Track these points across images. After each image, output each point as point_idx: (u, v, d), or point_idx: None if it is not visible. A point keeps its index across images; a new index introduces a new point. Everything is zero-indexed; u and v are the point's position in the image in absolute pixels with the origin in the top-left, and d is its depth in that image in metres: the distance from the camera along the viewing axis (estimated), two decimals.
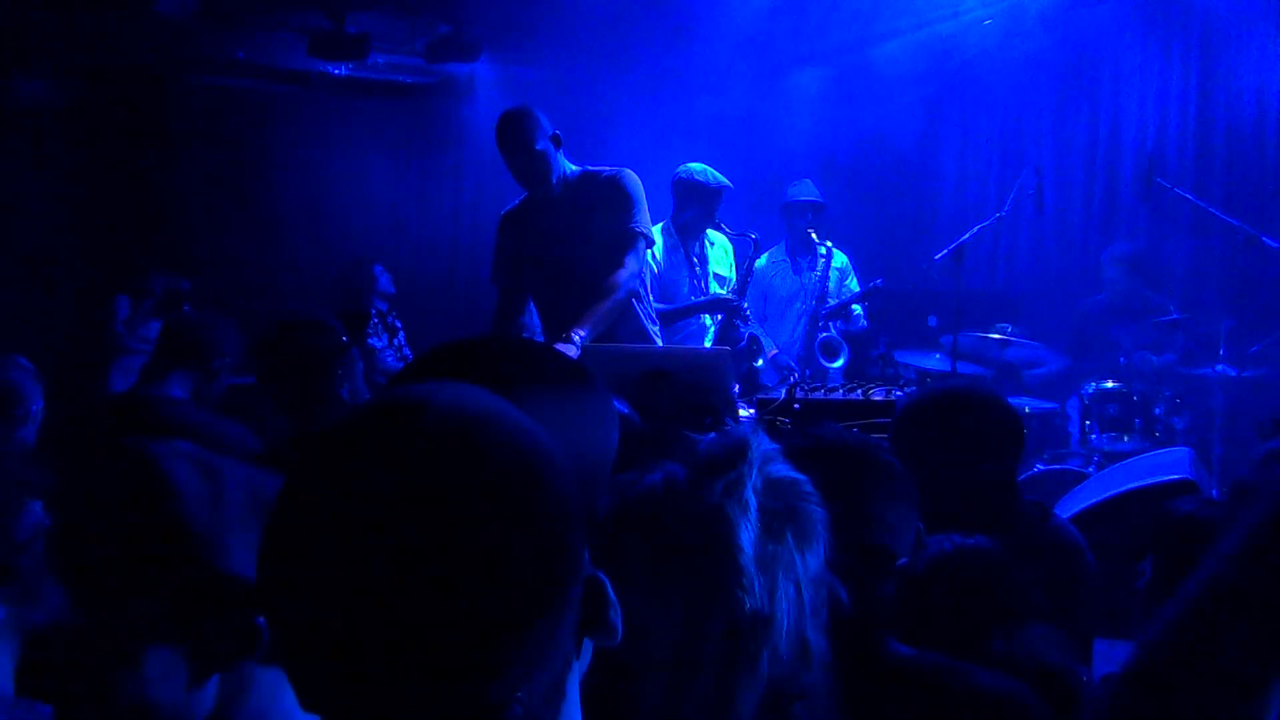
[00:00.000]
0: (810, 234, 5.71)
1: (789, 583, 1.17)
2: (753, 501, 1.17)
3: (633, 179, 4.00)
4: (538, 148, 3.85)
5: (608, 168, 4.06)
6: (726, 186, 5.06)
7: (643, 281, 4.21)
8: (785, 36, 7.01)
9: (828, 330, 5.55)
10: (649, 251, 4.30)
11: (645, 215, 3.98)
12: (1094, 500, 3.84)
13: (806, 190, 5.87)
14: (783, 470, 1.22)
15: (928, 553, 1.90)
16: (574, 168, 4.03)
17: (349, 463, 0.74)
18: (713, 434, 1.28)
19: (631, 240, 3.91)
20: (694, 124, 7.18)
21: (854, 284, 5.89)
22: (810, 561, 1.19)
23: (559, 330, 3.66)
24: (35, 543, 1.54)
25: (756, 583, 1.14)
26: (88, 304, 6.61)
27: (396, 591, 0.70)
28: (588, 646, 0.85)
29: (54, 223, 7.07)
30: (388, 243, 8.09)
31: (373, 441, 0.75)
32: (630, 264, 3.87)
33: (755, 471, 1.19)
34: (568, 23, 6.74)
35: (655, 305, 4.50)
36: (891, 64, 7.08)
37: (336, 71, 7.84)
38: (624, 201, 3.94)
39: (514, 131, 3.86)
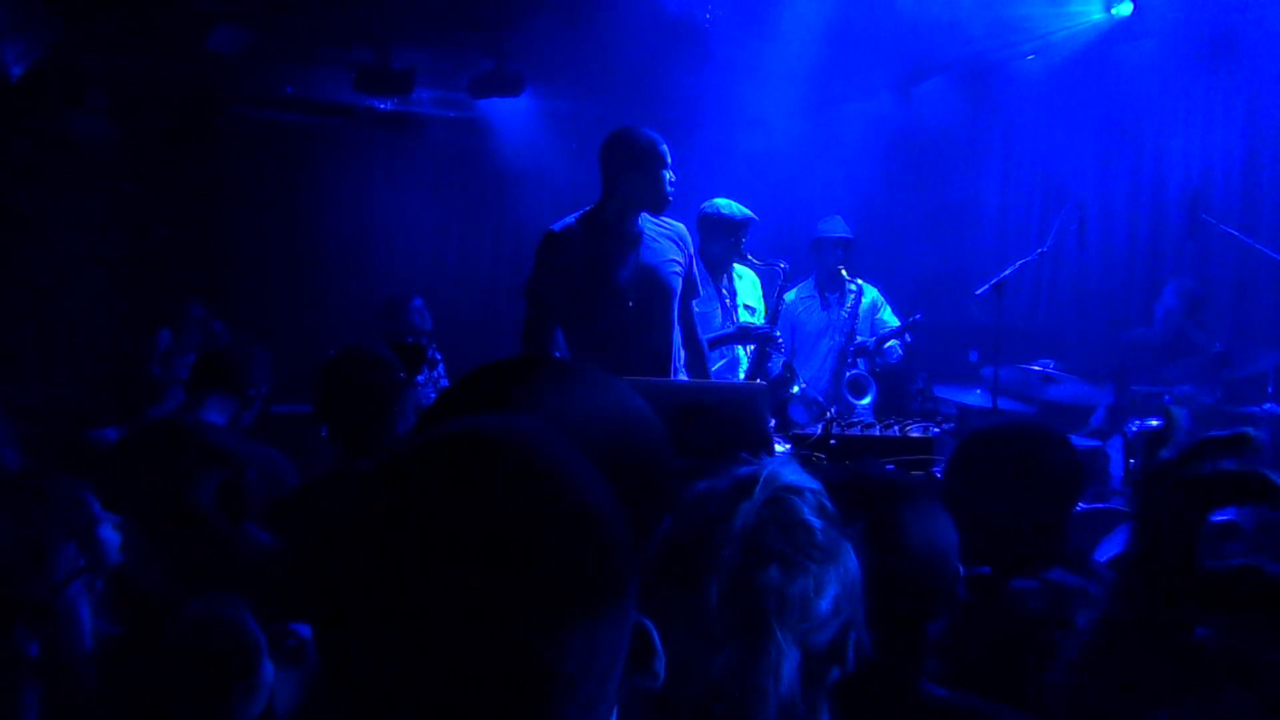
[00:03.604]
0: (840, 270, 5.71)
1: (786, 632, 1.15)
2: (734, 558, 1.16)
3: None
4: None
5: (672, 219, 4.19)
6: (751, 219, 5.10)
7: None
8: (827, 72, 7.03)
9: (856, 367, 5.54)
10: None
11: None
12: None
13: (837, 226, 5.88)
14: (792, 514, 1.20)
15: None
16: None
17: (415, 499, 0.74)
18: (704, 481, 1.26)
19: (695, 293, 4.20)
20: (735, 159, 7.21)
21: (888, 314, 5.87)
22: (815, 607, 1.18)
23: (616, 359, 3.74)
24: (70, 583, 1.55)
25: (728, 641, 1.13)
26: (134, 332, 6.73)
27: (450, 631, 0.70)
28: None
29: (103, 253, 7.21)
30: (429, 275, 8.17)
31: (442, 480, 0.74)
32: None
33: (739, 523, 1.18)
34: (611, 58, 6.80)
35: None
36: (934, 98, 7.08)
37: (382, 106, 7.97)
38: (689, 253, 4.13)
39: (665, 152, 3.95)
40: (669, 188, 3.92)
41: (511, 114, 8.09)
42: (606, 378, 1.10)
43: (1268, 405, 5.14)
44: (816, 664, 1.17)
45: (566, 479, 0.77)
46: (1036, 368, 5.41)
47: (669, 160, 3.91)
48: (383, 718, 0.72)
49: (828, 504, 1.23)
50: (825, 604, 1.17)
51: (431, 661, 0.70)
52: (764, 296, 5.32)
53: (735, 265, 5.26)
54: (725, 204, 5.12)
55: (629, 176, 3.89)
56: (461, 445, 0.77)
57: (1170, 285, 5.93)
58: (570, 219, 4.02)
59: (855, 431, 3.64)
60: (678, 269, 4.05)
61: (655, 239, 4.04)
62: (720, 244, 5.10)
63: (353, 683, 0.74)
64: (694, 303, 4.24)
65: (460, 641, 0.70)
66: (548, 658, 0.71)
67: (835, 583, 1.19)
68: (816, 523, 1.20)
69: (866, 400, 5.46)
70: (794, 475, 1.24)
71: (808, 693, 1.16)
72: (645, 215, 3.99)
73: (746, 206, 5.16)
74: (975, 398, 5.57)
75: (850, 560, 1.22)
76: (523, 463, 0.76)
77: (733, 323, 5.12)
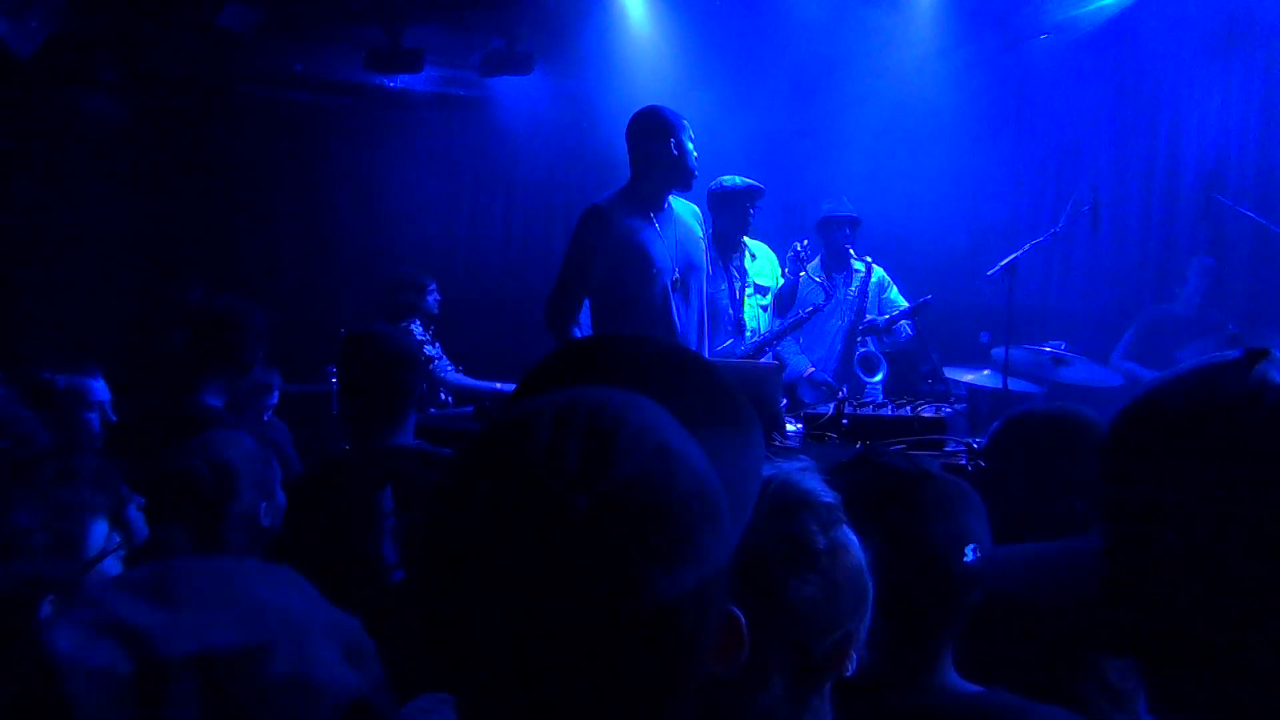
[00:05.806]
0: (848, 249, 5.68)
1: (778, 640, 1.14)
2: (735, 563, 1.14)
3: None
4: None
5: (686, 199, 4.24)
6: (756, 187, 5.06)
7: None
8: (837, 52, 6.98)
9: (865, 345, 5.51)
10: None
11: None
12: None
13: (843, 205, 5.84)
14: (797, 527, 1.18)
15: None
16: None
17: (530, 470, 0.73)
18: None
19: (709, 271, 4.33)
20: (744, 138, 7.18)
21: (895, 294, 5.83)
22: (811, 619, 1.16)
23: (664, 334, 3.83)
24: (101, 561, 1.54)
25: None
26: (147, 312, 6.74)
27: (559, 609, 0.70)
28: None
29: (114, 232, 7.22)
30: (439, 255, 8.15)
31: (561, 452, 0.73)
32: None
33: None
34: (620, 37, 6.77)
35: None
36: (947, 78, 7.03)
37: (391, 84, 7.94)
38: (707, 231, 4.28)
39: (688, 127, 4.00)
40: (693, 163, 3.98)
41: (521, 93, 8.06)
42: (697, 356, 1.08)
43: None
44: (810, 670, 1.17)
45: (678, 446, 0.77)
46: (1048, 349, 5.38)
47: (692, 136, 3.97)
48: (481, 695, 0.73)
49: (840, 516, 1.22)
50: (824, 616, 1.17)
51: (529, 638, 0.70)
52: (782, 274, 5.30)
53: (750, 243, 5.22)
54: (730, 179, 5.11)
55: (656, 155, 3.96)
56: (575, 412, 0.76)
57: (1196, 263, 5.91)
58: (611, 194, 4.05)
59: (867, 411, 3.63)
60: (702, 245, 4.16)
61: (683, 217, 4.12)
62: (725, 217, 5.08)
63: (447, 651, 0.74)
64: (705, 280, 4.31)
65: (561, 620, 0.70)
66: (645, 643, 0.71)
67: (836, 595, 1.18)
68: (821, 541, 1.18)
69: (878, 377, 5.43)
70: (809, 484, 1.22)
71: (797, 696, 1.16)
72: (673, 193, 4.08)
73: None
74: (986, 379, 5.54)
75: (858, 572, 1.20)
76: (637, 429, 0.76)
77: (738, 304, 5.10)
